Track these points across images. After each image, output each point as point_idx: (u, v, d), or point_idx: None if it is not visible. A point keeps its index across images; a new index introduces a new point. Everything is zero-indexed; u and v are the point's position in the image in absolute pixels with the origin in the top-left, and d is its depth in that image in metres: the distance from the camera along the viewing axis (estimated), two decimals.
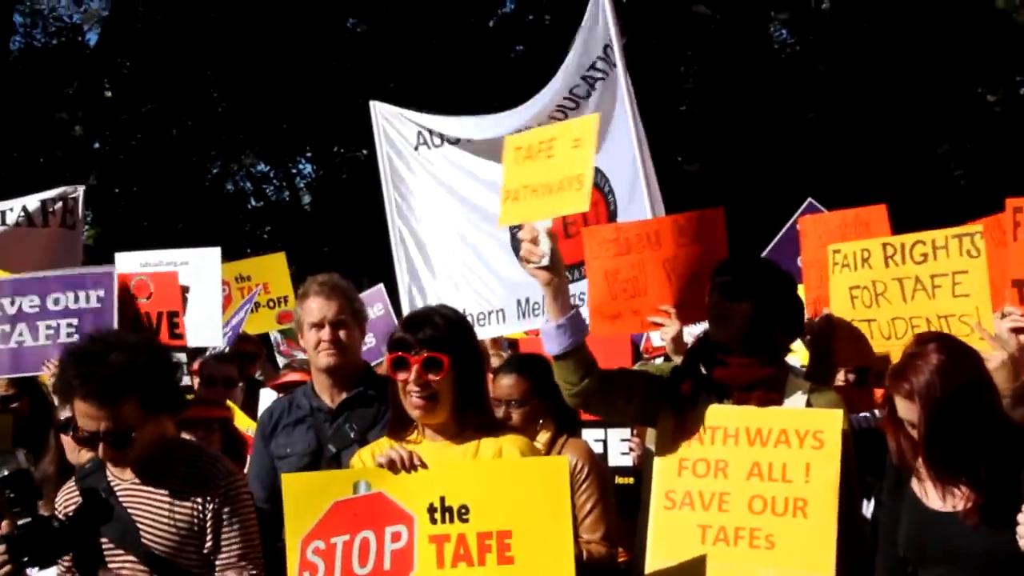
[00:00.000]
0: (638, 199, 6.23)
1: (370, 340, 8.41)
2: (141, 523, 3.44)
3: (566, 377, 3.70)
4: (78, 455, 4.08)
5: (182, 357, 5.81)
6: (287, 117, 22.57)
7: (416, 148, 7.40)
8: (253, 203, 26.11)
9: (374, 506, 3.27)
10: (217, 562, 3.47)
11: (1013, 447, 3.40)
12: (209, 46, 21.48)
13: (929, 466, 3.45)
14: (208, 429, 4.77)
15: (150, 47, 21.95)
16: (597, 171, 6.55)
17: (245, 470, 4.60)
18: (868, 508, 4.43)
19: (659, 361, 6.26)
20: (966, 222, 4.61)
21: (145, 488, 3.50)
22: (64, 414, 4.17)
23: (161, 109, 22.22)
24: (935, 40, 19.80)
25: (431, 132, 7.36)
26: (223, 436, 4.86)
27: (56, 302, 6.01)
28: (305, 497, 3.29)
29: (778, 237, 8.43)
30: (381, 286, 9.78)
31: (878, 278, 4.27)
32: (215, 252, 8.49)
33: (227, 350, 7.93)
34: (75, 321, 5.85)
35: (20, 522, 3.27)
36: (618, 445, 5.47)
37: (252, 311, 9.27)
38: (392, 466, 3.30)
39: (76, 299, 5.99)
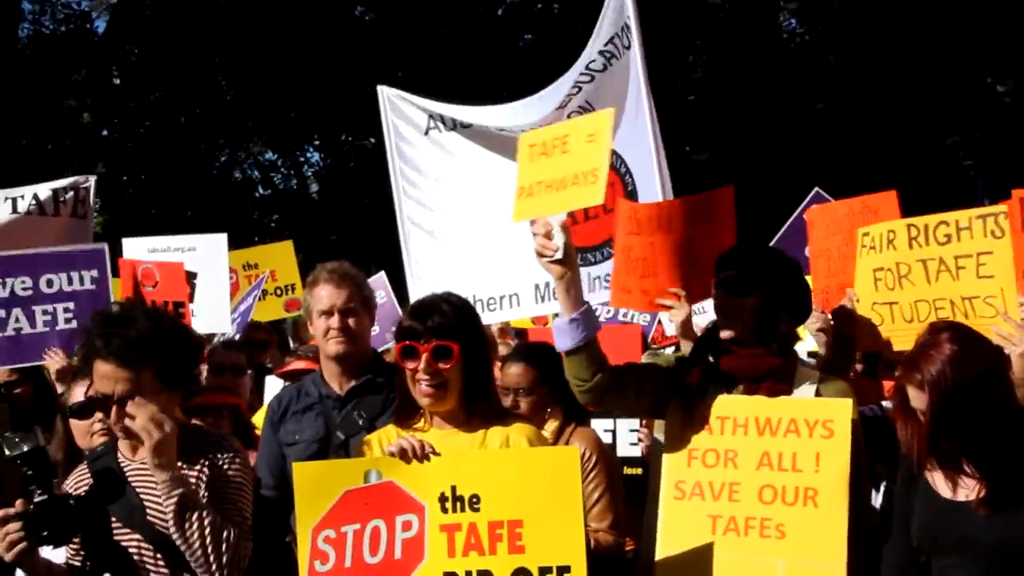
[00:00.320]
0: (655, 180, 6.21)
1: (373, 328, 8.44)
2: (148, 503, 3.45)
3: (577, 373, 3.69)
4: (88, 440, 4.09)
5: None
6: (295, 105, 22.59)
7: (426, 132, 7.36)
8: (261, 191, 26.18)
9: (385, 495, 3.27)
10: None
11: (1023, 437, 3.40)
12: (217, 34, 21.50)
13: (935, 456, 3.45)
14: (218, 416, 4.78)
15: (158, 35, 21.98)
16: (612, 152, 6.53)
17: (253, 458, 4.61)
18: (877, 498, 4.44)
19: (669, 351, 6.27)
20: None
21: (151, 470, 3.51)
22: (74, 398, 4.18)
23: (169, 97, 22.26)
24: (944, 30, 19.73)
25: (442, 117, 7.33)
26: (233, 423, 4.87)
27: (49, 283, 5.97)
28: (316, 486, 3.29)
29: (785, 227, 8.43)
30: (383, 274, 9.80)
31: (902, 260, 4.24)
32: (222, 238, 8.52)
33: (236, 337, 7.96)
34: (71, 305, 5.82)
35: (36, 499, 3.28)
36: (627, 435, 5.48)
37: (260, 299, 9.29)
38: (403, 455, 3.30)
39: (70, 280, 5.96)
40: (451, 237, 7.25)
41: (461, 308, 3.63)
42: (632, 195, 6.36)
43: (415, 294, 6.97)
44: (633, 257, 5.14)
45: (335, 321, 4.58)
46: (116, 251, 8.40)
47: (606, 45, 6.47)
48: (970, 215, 4.12)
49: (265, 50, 21.37)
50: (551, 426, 4.77)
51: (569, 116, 6.32)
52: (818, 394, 3.81)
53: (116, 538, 3.45)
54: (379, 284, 9.46)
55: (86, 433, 4.12)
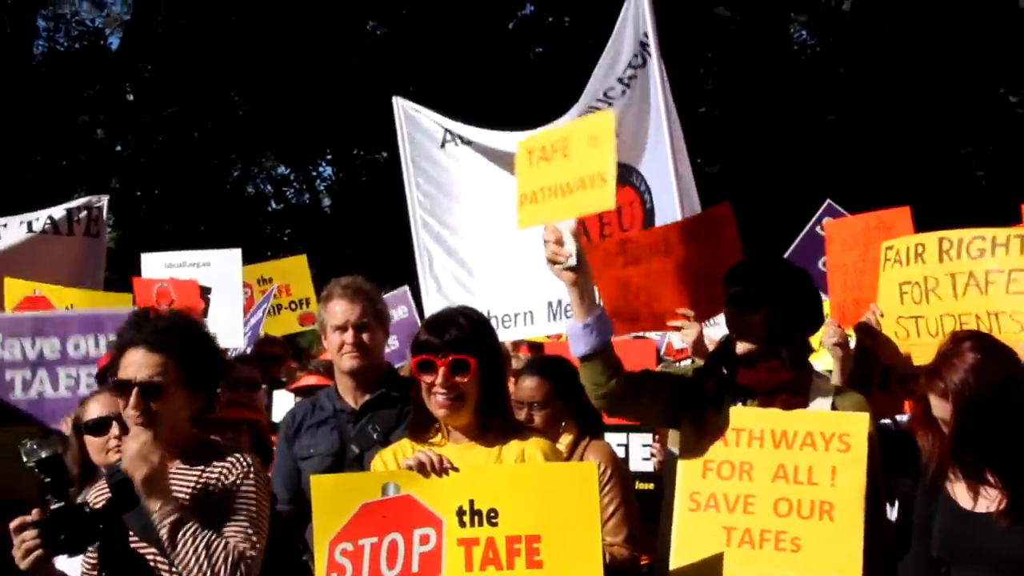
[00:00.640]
0: (672, 196, 6.19)
1: (394, 342, 8.45)
2: None
3: (593, 378, 3.69)
4: (104, 456, 4.10)
5: None
6: (307, 120, 22.67)
7: (443, 145, 7.35)
8: (273, 206, 26.25)
9: (403, 508, 3.27)
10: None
11: None
12: (230, 49, 21.60)
13: (958, 465, 3.44)
14: (236, 431, 4.78)
15: (171, 51, 22.08)
16: (632, 169, 6.52)
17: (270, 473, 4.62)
18: (892, 512, 4.42)
19: (686, 363, 6.27)
20: (988, 224, 4.57)
21: (171, 485, 3.52)
22: (89, 415, 4.19)
23: (182, 112, 22.36)
24: (956, 41, 19.70)
25: (458, 135, 7.32)
26: (252, 439, 4.87)
27: (76, 347, 5.99)
28: (334, 498, 3.29)
29: (799, 239, 8.43)
30: (405, 288, 9.81)
31: (930, 273, 4.22)
32: (236, 253, 8.56)
33: (248, 351, 7.98)
34: (94, 370, 5.85)
35: (53, 507, 3.28)
36: (639, 450, 5.46)
37: (274, 313, 9.32)
38: (421, 468, 3.30)
39: (97, 343, 5.98)
40: (466, 253, 7.24)
41: (478, 322, 3.63)
42: (650, 213, 6.36)
43: (430, 308, 6.98)
44: (634, 288, 5.07)
45: (349, 336, 4.60)
46: (129, 266, 8.44)
47: (627, 67, 6.46)
48: (1008, 233, 4.10)
49: (277, 65, 21.46)
50: (565, 439, 4.77)
51: None
52: (834, 407, 3.80)
53: (132, 548, 3.45)
54: (401, 299, 9.47)
55: (101, 449, 4.13)
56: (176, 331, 3.54)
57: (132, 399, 3.42)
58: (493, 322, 6.30)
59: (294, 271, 10.56)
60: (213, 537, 3.31)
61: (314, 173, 26.46)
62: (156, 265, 8.45)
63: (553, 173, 3.61)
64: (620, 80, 6.52)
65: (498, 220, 6.94)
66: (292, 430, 4.72)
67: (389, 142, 7.81)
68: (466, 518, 3.25)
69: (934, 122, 20.08)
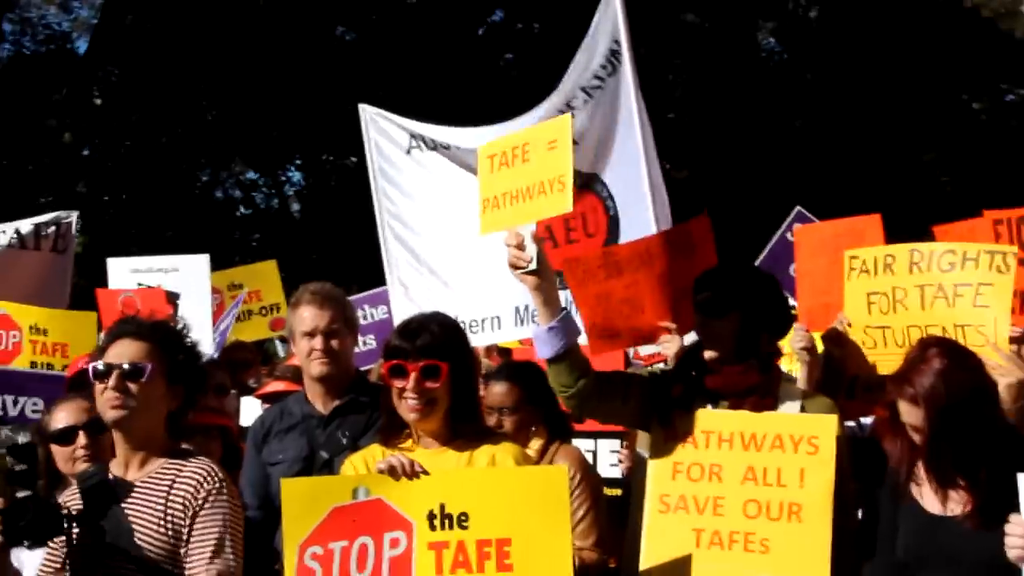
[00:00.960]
0: (641, 203, 6.18)
1: (371, 342, 8.41)
2: (137, 525, 3.44)
3: (561, 380, 3.70)
4: (71, 466, 4.07)
5: None
6: (276, 125, 22.56)
7: (408, 151, 7.34)
8: (242, 211, 26.07)
9: (373, 512, 3.27)
10: (187, 563, 3.43)
11: (1012, 451, 3.42)
12: (198, 54, 21.47)
13: (930, 470, 3.47)
14: (207, 436, 4.76)
15: (139, 55, 21.93)
16: (595, 176, 6.53)
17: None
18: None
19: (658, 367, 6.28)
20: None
21: (141, 492, 3.50)
22: (55, 424, 4.15)
23: (150, 117, 22.19)
24: (921, 48, 19.93)
25: (423, 137, 7.32)
26: (223, 445, 4.84)
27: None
28: (304, 502, 3.29)
29: (769, 246, 8.48)
30: (387, 288, 9.76)
31: (899, 284, 4.26)
32: (204, 259, 8.52)
33: (215, 356, 7.94)
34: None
35: (19, 495, 3.26)
36: (608, 456, 5.48)
37: (245, 318, 9.28)
38: (392, 472, 3.30)
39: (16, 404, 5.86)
40: (433, 258, 7.23)
41: (449, 328, 3.64)
42: (614, 220, 6.36)
43: (398, 314, 6.97)
44: (616, 300, 5.08)
45: (318, 342, 4.59)
46: (96, 272, 8.36)
47: (592, 78, 6.47)
48: (979, 248, 4.15)
49: (246, 70, 21.36)
50: (535, 444, 4.78)
51: None
52: (803, 410, 3.83)
53: (103, 553, 3.43)
54: (382, 298, 9.43)
55: (68, 459, 4.09)
56: (161, 327, 3.65)
57: (112, 380, 3.42)
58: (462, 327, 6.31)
59: (265, 276, 10.52)
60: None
61: (283, 178, 26.31)
62: (123, 271, 8.39)
63: (514, 178, 3.64)
64: (583, 89, 6.53)
65: (464, 226, 6.94)
66: (261, 436, 4.70)
67: (358, 147, 7.78)
68: (436, 522, 3.26)
69: (899, 128, 20.30)
